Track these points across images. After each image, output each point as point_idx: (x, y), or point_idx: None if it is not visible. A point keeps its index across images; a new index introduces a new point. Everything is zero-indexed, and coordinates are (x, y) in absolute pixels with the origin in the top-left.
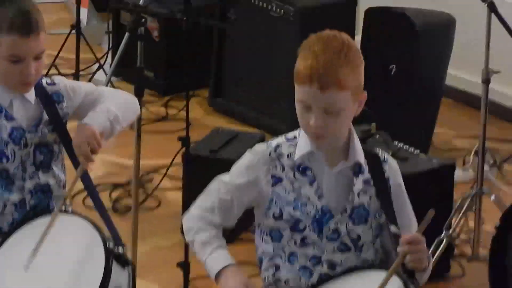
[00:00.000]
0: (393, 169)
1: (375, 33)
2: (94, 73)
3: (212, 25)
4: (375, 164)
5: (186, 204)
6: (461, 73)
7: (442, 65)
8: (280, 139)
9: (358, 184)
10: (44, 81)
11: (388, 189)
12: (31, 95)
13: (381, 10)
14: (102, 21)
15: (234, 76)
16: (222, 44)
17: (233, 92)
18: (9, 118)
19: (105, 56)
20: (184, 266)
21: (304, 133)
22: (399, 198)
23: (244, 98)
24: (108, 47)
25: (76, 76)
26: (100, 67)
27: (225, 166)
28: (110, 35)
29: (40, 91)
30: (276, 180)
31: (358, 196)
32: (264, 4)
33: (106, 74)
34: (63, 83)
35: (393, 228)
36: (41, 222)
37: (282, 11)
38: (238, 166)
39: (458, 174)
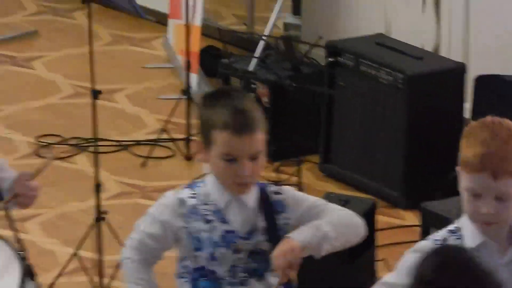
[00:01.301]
0: None
1: (485, 101)
2: None
3: (320, 91)
4: None
5: None
6: None
7: None
8: (443, 233)
9: None
10: (270, 188)
11: None
12: (250, 199)
13: (492, 78)
14: (212, 87)
15: (343, 142)
16: (331, 111)
17: (343, 158)
18: (224, 220)
19: None
20: None
21: (468, 223)
22: None
23: (354, 164)
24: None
25: (186, 141)
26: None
27: None
28: None
29: (263, 197)
30: None
31: None
32: (373, 71)
33: None
34: (289, 193)
35: None
36: None
37: (391, 78)
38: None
39: None
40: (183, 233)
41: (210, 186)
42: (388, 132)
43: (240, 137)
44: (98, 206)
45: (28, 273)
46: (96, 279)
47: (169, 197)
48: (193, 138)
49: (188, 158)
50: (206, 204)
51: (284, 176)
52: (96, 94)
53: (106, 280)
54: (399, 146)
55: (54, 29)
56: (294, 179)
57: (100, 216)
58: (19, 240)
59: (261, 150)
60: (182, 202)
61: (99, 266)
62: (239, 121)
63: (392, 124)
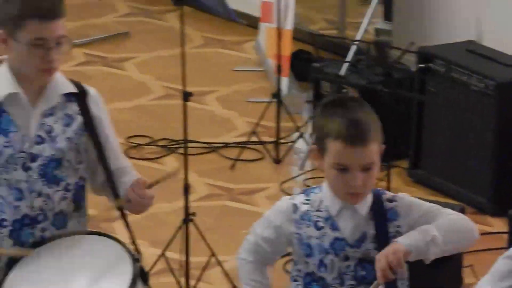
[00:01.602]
0: None
1: None
2: (294, 142)
3: (411, 97)
4: None
5: None
6: None
7: None
8: None
9: None
10: (384, 195)
11: None
12: (363, 207)
13: None
14: (302, 91)
15: (433, 148)
16: (421, 116)
17: (432, 163)
18: (334, 227)
19: (305, 125)
20: None
21: None
22: None
23: (443, 170)
24: (308, 116)
25: (276, 144)
26: (300, 136)
27: None
28: (310, 105)
29: (376, 205)
30: None
31: None
32: (464, 78)
33: (306, 143)
34: (403, 200)
35: None
36: None
37: (482, 85)
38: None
39: None
40: (295, 238)
41: (324, 192)
42: (477, 138)
43: (353, 148)
44: (186, 207)
45: (141, 276)
46: (182, 280)
47: (284, 202)
48: (282, 141)
49: (277, 161)
50: (318, 210)
51: None
52: (187, 96)
53: (192, 282)
54: (488, 153)
55: (145, 30)
56: (383, 184)
57: (188, 218)
58: (134, 242)
59: (374, 161)
60: (295, 207)
61: (186, 267)
62: (352, 132)
63: (482, 130)
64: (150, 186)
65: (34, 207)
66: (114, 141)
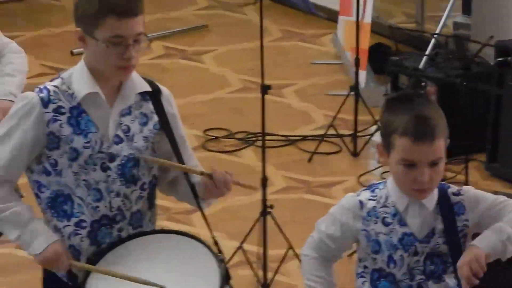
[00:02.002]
0: None
1: None
2: (372, 135)
3: (489, 91)
4: None
5: None
6: None
7: None
8: None
9: None
10: (450, 190)
11: None
12: (430, 202)
13: None
14: (380, 84)
15: (510, 141)
16: (499, 110)
17: (510, 157)
18: (402, 223)
19: None
20: None
21: None
22: None
23: None
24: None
25: (353, 137)
26: (378, 129)
27: None
28: None
29: (443, 199)
30: None
31: None
32: None
33: None
34: (469, 193)
35: None
36: None
37: None
38: None
39: None
40: (362, 235)
41: (389, 188)
42: None
43: (420, 144)
44: (264, 200)
45: (225, 276)
46: (260, 273)
47: (350, 199)
48: (360, 134)
49: (355, 154)
50: (385, 206)
51: (450, 174)
52: (265, 89)
53: (270, 274)
54: None
55: (224, 23)
56: (461, 177)
57: (265, 210)
58: (216, 242)
59: (441, 157)
60: (361, 204)
61: (264, 260)
62: (419, 128)
63: None
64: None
65: (113, 207)
66: (186, 140)
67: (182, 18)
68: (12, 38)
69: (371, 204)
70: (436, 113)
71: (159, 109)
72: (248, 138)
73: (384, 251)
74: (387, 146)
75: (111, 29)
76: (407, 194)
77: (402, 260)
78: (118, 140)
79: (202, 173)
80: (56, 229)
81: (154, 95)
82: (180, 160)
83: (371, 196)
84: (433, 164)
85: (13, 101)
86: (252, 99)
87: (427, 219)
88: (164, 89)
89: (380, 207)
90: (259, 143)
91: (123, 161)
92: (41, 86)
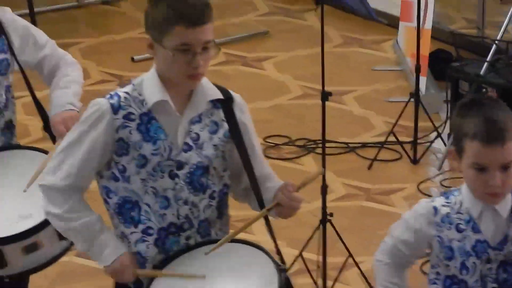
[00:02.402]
0: None
1: None
2: (432, 142)
3: None
4: None
5: None
6: None
7: None
8: None
9: None
10: None
11: None
12: (504, 209)
13: None
14: (440, 90)
15: None
16: None
17: None
18: (476, 230)
19: (443, 125)
20: None
21: None
22: None
23: None
24: (446, 116)
25: (413, 144)
26: (438, 135)
27: None
28: (448, 104)
29: None
30: None
31: None
32: None
33: (444, 143)
34: None
35: None
36: None
37: None
38: None
39: None
40: (435, 241)
41: (464, 195)
42: None
43: (490, 147)
44: (323, 208)
45: (287, 286)
46: (319, 281)
47: (424, 204)
48: (420, 141)
49: (415, 161)
50: (459, 213)
51: None
52: (326, 95)
53: (329, 283)
54: None
55: (285, 29)
56: None
57: (325, 218)
58: (279, 252)
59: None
60: (436, 210)
61: (323, 268)
62: (490, 131)
63: None
64: (298, 189)
65: (180, 215)
66: (258, 148)
67: (243, 24)
68: (72, 44)
69: (445, 210)
70: (506, 116)
71: (230, 117)
72: (308, 145)
73: (457, 258)
74: (459, 151)
75: (179, 38)
76: (479, 198)
77: (474, 267)
78: (187, 148)
79: (269, 210)
80: (123, 235)
81: (225, 103)
82: (249, 169)
83: (446, 202)
84: (505, 167)
85: (73, 110)
86: (312, 105)
87: (500, 226)
88: (237, 97)
89: (454, 214)
90: (319, 150)
91: (191, 169)
92: (112, 93)
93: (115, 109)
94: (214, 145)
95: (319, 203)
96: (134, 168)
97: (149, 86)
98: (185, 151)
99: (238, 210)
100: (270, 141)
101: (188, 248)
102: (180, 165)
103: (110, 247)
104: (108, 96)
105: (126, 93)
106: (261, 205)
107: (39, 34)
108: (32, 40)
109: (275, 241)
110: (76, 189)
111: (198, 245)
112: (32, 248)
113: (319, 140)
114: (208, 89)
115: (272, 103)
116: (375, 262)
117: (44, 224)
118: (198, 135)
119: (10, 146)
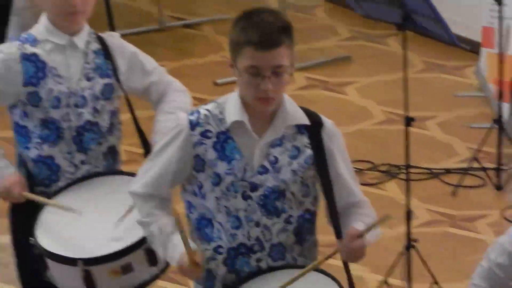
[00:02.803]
0: None
1: None
2: None
3: None
4: None
5: None
6: None
7: None
8: None
9: None
10: None
11: None
12: None
13: None
14: None
15: None
16: None
17: None
18: None
19: None
20: None
21: None
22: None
23: None
24: None
25: (497, 171)
26: None
27: None
28: None
29: None
30: None
31: None
32: None
33: None
34: None
35: None
36: None
37: None
38: None
39: None
40: None
41: None
42: None
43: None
44: (408, 233)
45: None
46: None
47: None
48: (504, 168)
49: (499, 187)
50: None
51: None
52: (409, 121)
53: None
54: None
55: (367, 55)
56: None
57: (410, 244)
58: (350, 279)
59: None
60: None
61: None
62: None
63: None
64: (361, 234)
65: (251, 236)
66: (347, 176)
67: (325, 49)
68: None
69: None
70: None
71: (316, 143)
72: (391, 171)
73: None
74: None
75: (248, 60)
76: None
77: None
78: (263, 171)
79: (327, 259)
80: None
81: (312, 129)
82: (329, 197)
83: None
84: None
85: None
86: (395, 131)
87: None
88: (327, 123)
89: None
90: (402, 176)
91: (266, 192)
92: (195, 109)
93: (193, 125)
94: (293, 171)
95: (402, 229)
96: (210, 185)
97: (231, 105)
98: (261, 173)
99: (324, 235)
100: (354, 166)
101: (260, 271)
102: (254, 187)
103: (179, 249)
104: (190, 112)
105: (207, 110)
106: (338, 235)
107: (148, 60)
108: (140, 66)
109: (348, 273)
110: (153, 196)
111: (271, 269)
112: (121, 271)
113: (402, 165)
114: (292, 114)
115: (355, 128)
116: (472, 286)
117: (133, 247)
118: (276, 158)
119: (111, 172)
